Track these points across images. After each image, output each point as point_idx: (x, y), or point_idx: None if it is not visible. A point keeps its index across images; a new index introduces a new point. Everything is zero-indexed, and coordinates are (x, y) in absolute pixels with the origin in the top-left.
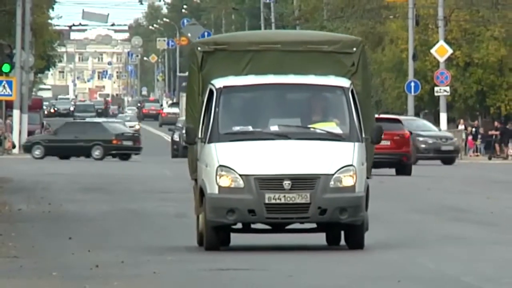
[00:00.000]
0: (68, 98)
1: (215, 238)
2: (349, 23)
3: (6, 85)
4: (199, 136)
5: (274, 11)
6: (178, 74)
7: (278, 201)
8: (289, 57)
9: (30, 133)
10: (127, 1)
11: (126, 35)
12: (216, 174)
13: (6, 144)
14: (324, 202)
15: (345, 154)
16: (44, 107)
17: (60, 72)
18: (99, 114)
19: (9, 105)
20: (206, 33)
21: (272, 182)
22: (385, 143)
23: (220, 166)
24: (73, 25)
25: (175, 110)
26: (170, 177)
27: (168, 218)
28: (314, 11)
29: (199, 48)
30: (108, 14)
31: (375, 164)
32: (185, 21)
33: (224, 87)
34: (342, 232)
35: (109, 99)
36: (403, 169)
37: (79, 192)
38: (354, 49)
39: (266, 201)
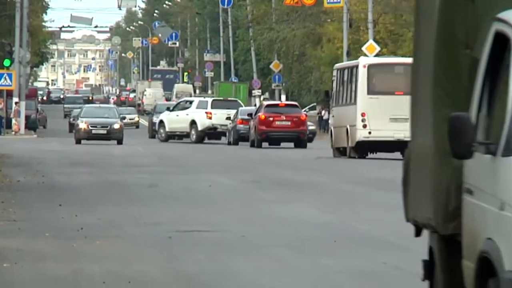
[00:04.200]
0: (61, 89)
1: None
2: (294, 25)
3: (7, 77)
4: (477, 139)
5: (231, 15)
6: (150, 68)
7: None
8: None
9: (27, 117)
10: (109, 7)
11: (107, 35)
12: None
13: (14, 126)
14: None
15: None
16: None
17: (52, 66)
18: (85, 103)
19: (9, 94)
20: (174, 34)
21: None
22: (286, 123)
23: None
24: (63, 26)
25: (134, 95)
26: (144, 154)
27: (142, 188)
28: (264, 15)
29: None
30: (92, 17)
31: (278, 140)
32: (156, 23)
33: None
34: None
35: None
36: (300, 143)
37: (68, 166)
38: None
39: None
